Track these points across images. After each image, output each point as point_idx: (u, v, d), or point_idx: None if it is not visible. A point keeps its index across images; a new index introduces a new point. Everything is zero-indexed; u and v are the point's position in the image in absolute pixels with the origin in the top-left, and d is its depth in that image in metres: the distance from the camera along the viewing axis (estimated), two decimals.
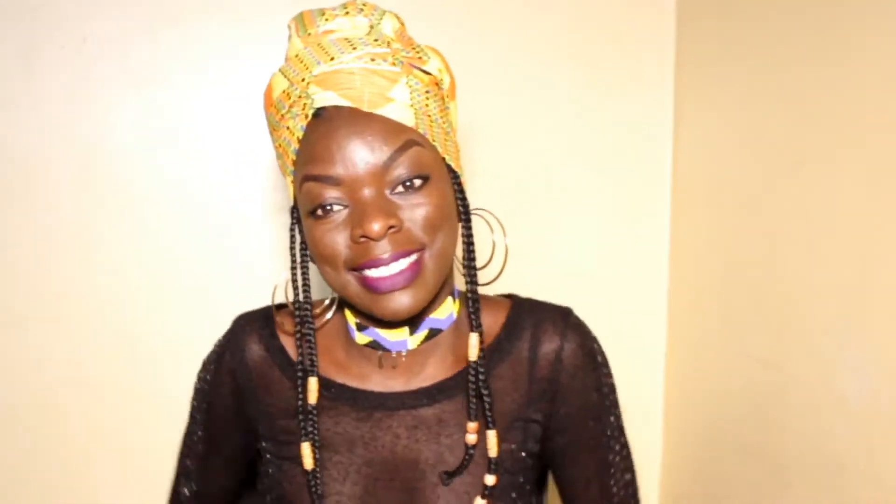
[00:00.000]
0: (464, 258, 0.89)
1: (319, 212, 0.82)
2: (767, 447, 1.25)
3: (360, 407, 0.92)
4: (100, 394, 1.45)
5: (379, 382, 0.93)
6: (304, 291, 0.90)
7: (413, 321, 0.90)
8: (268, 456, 0.96)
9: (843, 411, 1.09)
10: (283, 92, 0.85)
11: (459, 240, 0.89)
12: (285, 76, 0.85)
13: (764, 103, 1.27)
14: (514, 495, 0.92)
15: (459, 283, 0.94)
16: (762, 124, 1.27)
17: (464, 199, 0.88)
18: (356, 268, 0.82)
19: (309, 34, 0.85)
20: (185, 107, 1.43)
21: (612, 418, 0.97)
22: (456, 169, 0.88)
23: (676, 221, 1.54)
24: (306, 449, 0.90)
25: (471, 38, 1.48)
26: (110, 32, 1.40)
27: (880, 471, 1.03)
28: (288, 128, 0.85)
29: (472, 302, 0.88)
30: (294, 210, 0.89)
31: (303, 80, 0.83)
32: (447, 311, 0.92)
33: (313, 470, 0.90)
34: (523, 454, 0.93)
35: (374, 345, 0.92)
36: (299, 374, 0.91)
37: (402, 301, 0.82)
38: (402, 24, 0.89)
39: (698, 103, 1.47)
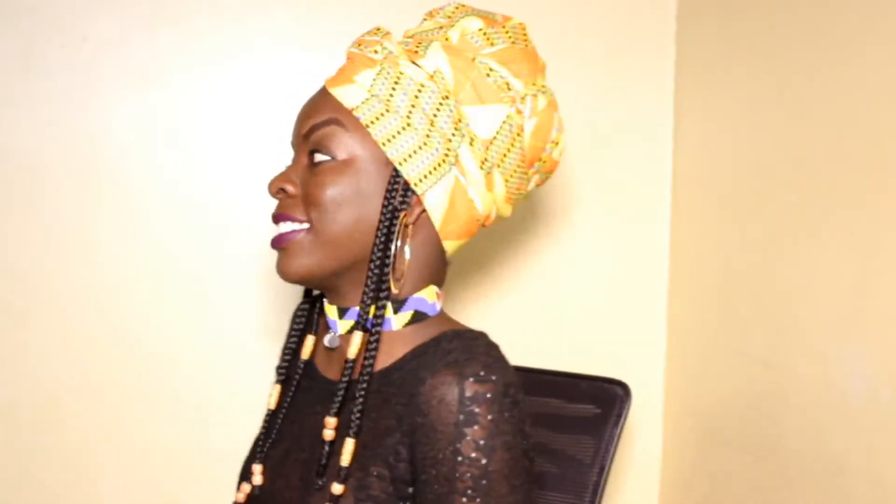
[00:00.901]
0: (371, 258, 0.86)
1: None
2: (767, 447, 1.25)
3: (310, 385, 0.95)
4: (99, 393, 1.45)
5: (324, 362, 0.95)
6: None
7: (342, 306, 0.91)
8: None
9: (843, 411, 1.09)
10: None
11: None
12: None
13: (764, 103, 1.27)
14: None
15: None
16: (762, 124, 1.27)
17: (390, 198, 0.85)
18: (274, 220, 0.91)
19: None
20: (185, 107, 1.43)
21: (462, 500, 0.78)
22: (396, 162, 0.85)
23: (676, 221, 1.54)
24: (275, 389, 0.97)
25: None
26: (110, 32, 1.40)
27: (880, 471, 1.03)
28: None
29: (363, 305, 0.86)
30: None
31: None
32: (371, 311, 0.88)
33: (275, 410, 0.96)
34: (392, 489, 0.83)
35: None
36: (295, 329, 0.99)
37: (282, 263, 0.88)
38: (485, 30, 0.90)
39: (698, 103, 1.47)
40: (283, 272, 0.88)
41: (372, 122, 0.85)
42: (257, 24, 1.43)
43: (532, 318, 1.53)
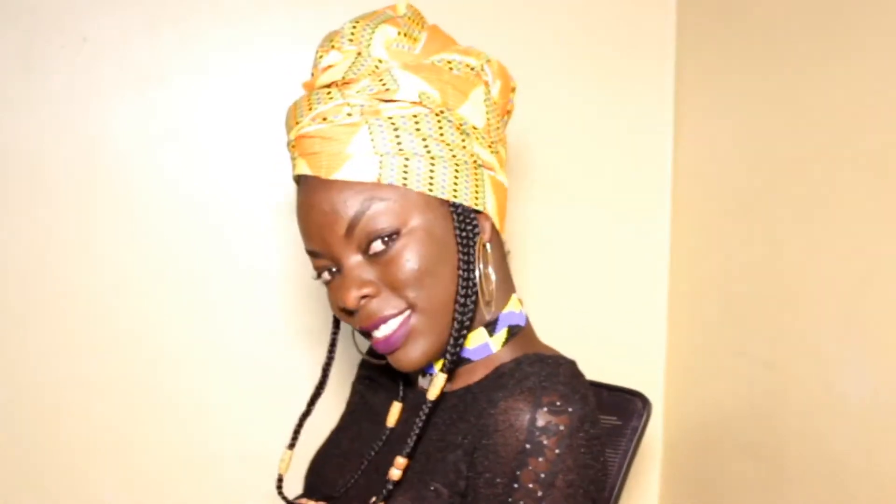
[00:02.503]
0: (457, 292, 0.82)
1: (320, 278, 0.86)
2: (767, 447, 1.25)
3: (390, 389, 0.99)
4: (99, 393, 1.45)
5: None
6: None
7: None
8: None
9: (843, 411, 1.09)
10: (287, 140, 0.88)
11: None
12: (285, 124, 0.88)
13: (764, 103, 1.27)
14: None
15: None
16: (762, 124, 1.27)
17: (462, 231, 0.82)
18: (362, 332, 0.85)
19: (312, 74, 0.87)
20: (185, 106, 1.43)
21: None
22: (450, 198, 0.82)
23: (676, 221, 1.54)
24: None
25: (471, 38, 1.48)
26: (110, 32, 1.40)
27: (880, 471, 1.03)
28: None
29: (454, 340, 0.82)
30: None
31: (289, 141, 0.86)
32: (477, 341, 0.87)
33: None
34: None
35: None
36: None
37: (405, 358, 0.83)
38: (402, 31, 0.85)
39: (698, 103, 1.47)
40: (409, 363, 0.83)
41: (405, 178, 0.80)
42: (257, 23, 1.43)
43: (531, 319, 1.53)
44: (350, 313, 0.84)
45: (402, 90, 0.81)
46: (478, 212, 0.85)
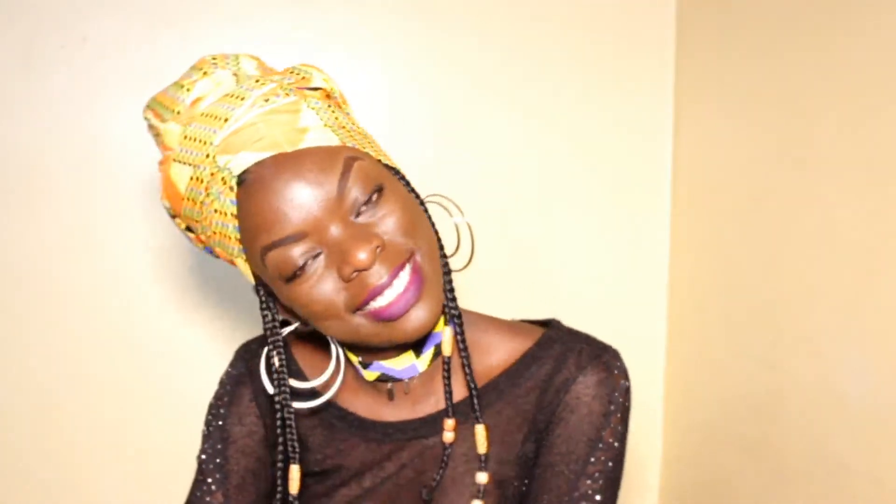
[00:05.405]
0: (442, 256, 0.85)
1: (297, 272, 0.76)
2: (768, 447, 1.25)
3: (370, 438, 0.89)
4: (99, 393, 1.45)
5: (388, 412, 0.90)
6: (281, 372, 0.83)
7: (417, 343, 0.85)
8: None
9: (843, 411, 1.09)
10: (191, 179, 0.79)
11: None
12: (183, 163, 0.80)
13: (764, 103, 1.27)
14: None
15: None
16: (762, 124, 1.27)
17: (413, 190, 0.83)
18: (360, 306, 0.77)
19: (178, 113, 0.79)
20: None
21: (588, 482, 0.82)
22: (393, 166, 0.83)
23: (676, 221, 1.54)
24: (294, 472, 0.84)
25: (470, 38, 1.48)
26: (110, 32, 1.40)
27: (880, 471, 1.03)
28: (216, 210, 0.79)
29: (449, 291, 0.84)
30: (259, 287, 0.82)
31: (206, 155, 0.77)
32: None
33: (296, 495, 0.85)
34: (524, 484, 0.87)
35: (384, 377, 0.87)
36: (280, 458, 0.85)
37: (420, 315, 0.77)
38: (259, 59, 0.84)
39: (698, 103, 1.47)
40: (426, 318, 0.77)
41: (362, 145, 0.81)
42: (257, 24, 1.43)
43: (532, 318, 1.53)
44: (352, 280, 0.76)
45: (315, 79, 0.82)
46: None
